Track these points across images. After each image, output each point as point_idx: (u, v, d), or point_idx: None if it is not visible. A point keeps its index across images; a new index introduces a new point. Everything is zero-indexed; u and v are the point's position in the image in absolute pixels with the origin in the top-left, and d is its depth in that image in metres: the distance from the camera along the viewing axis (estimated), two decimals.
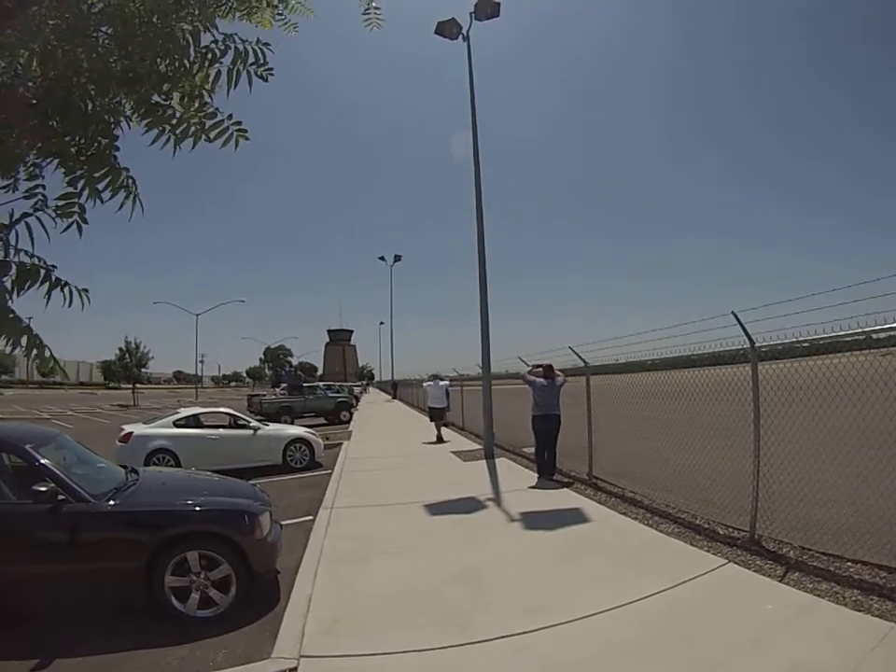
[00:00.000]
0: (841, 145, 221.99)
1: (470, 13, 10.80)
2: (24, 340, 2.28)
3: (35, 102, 2.61)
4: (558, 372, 8.20)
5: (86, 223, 2.61)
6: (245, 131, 2.72)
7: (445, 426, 14.67)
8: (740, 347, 5.03)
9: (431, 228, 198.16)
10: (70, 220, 2.56)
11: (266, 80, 2.73)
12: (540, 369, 8.29)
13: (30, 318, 2.47)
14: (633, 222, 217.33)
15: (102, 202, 2.65)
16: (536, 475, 8.10)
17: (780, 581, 4.01)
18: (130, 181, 2.69)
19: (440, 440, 12.94)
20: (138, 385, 46.87)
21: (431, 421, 13.68)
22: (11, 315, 2.32)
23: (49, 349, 2.34)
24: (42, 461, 4.02)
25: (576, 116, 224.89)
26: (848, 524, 4.49)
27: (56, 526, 3.86)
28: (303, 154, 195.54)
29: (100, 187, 2.64)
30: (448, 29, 10.92)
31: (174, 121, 2.70)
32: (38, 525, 3.86)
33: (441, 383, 13.97)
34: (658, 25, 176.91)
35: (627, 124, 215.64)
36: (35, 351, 2.30)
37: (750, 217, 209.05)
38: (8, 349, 2.38)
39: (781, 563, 4.34)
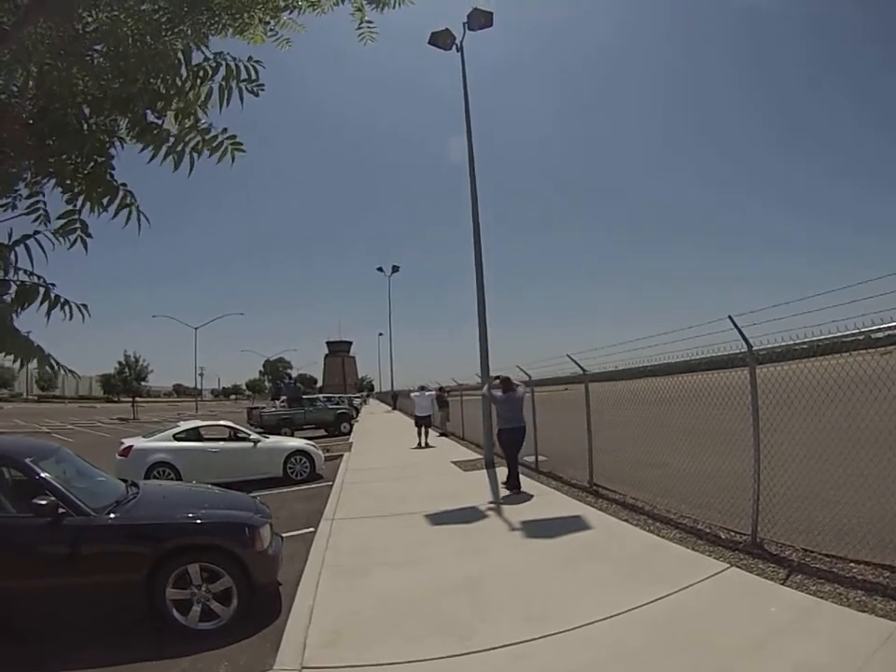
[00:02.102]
0: (841, 145, 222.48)
1: (463, 23, 10.93)
2: (34, 360, 2.32)
3: (31, 122, 2.64)
4: (517, 383, 8.20)
5: (90, 237, 2.64)
6: (241, 144, 2.75)
7: (445, 435, 16.67)
8: (738, 351, 5.02)
9: (431, 238, 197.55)
10: (74, 237, 2.58)
11: (257, 95, 2.77)
12: (498, 381, 8.22)
13: (28, 332, 2.49)
14: (633, 224, 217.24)
15: (106, 211, 2.68)
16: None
17: (783, 584, 3.99)
18: (129, 196, 2.72)
19: (425, 445, 14.17)
20: (138, 399, 46.83)
21: (417, 427, 14.85)
22: (15, 334, 2.35)
23: (53, 358, 2.38)
24: (42, 475, 4.02)
25: (576, 118, 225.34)
26: (851, 524, 4.47)
27: (56, 540, 3.85)
28: (301, 166, 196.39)
29: (103, 202, 2.68)
30: (442, 39, 11.02)
31: (170, 141, 2.72)
32: (39, 539, 3.85)
33: (427, 393, 15.53)
34: (658, 26, 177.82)
35: (628, 124, 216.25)
36: (41, 365, 2.35)
37: (750, 219, 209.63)
38: (16, 366, 2.40)
39: (784, 565, 4.32)
